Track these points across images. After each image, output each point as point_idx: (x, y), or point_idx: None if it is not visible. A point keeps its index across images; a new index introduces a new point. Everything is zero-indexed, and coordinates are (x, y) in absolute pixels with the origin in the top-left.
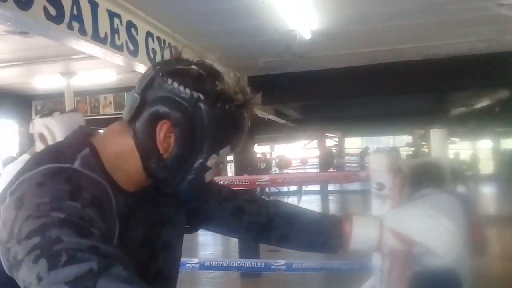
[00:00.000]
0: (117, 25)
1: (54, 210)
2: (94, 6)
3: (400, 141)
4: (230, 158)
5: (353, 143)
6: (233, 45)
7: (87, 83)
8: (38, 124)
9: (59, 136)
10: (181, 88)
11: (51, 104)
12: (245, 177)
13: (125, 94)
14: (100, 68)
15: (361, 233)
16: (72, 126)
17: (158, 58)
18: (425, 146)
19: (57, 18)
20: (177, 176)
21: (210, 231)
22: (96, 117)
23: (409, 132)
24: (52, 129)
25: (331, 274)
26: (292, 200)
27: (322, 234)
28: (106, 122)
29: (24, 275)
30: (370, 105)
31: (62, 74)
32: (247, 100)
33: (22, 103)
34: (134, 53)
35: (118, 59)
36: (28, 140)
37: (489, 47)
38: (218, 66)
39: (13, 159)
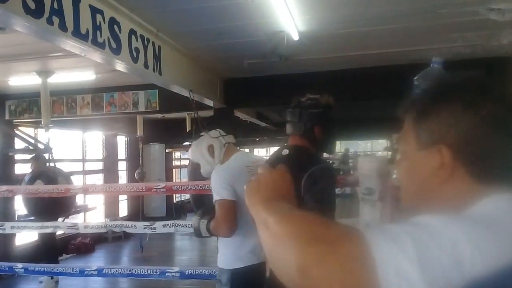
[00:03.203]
0: (100, 21)
1: None
2: (76, 1)
3: (377, 146)
4: None
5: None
6: (218, 45)
7: (64, 82)
8: None
9: None
10: (315, 110)
11: (25, 104)
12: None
13: (104, 94)
14: (78, 67)
15: None
16: None
17: (141, 57)
18: None
19: (37, 12)
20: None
21: None
22: (73, 118)
23: (387, 137)
24: None
25: None
26: None
27: None
28: (84, 123)
29: None
30: (349, 109)
31: (38, 73)
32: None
33: None
34: (117, 51)
35: (99, 57)
36: None
37: (473, 53)
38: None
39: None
